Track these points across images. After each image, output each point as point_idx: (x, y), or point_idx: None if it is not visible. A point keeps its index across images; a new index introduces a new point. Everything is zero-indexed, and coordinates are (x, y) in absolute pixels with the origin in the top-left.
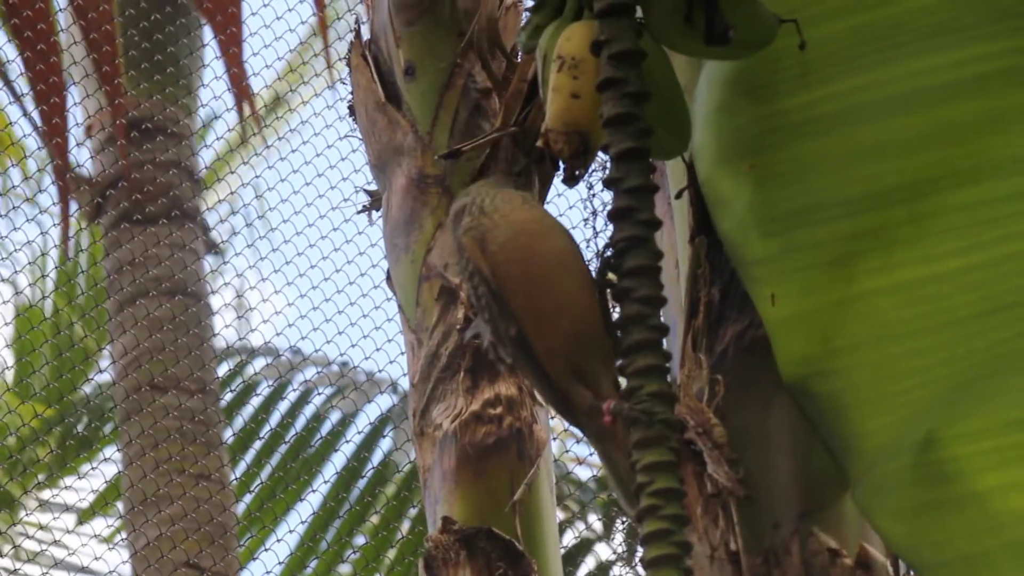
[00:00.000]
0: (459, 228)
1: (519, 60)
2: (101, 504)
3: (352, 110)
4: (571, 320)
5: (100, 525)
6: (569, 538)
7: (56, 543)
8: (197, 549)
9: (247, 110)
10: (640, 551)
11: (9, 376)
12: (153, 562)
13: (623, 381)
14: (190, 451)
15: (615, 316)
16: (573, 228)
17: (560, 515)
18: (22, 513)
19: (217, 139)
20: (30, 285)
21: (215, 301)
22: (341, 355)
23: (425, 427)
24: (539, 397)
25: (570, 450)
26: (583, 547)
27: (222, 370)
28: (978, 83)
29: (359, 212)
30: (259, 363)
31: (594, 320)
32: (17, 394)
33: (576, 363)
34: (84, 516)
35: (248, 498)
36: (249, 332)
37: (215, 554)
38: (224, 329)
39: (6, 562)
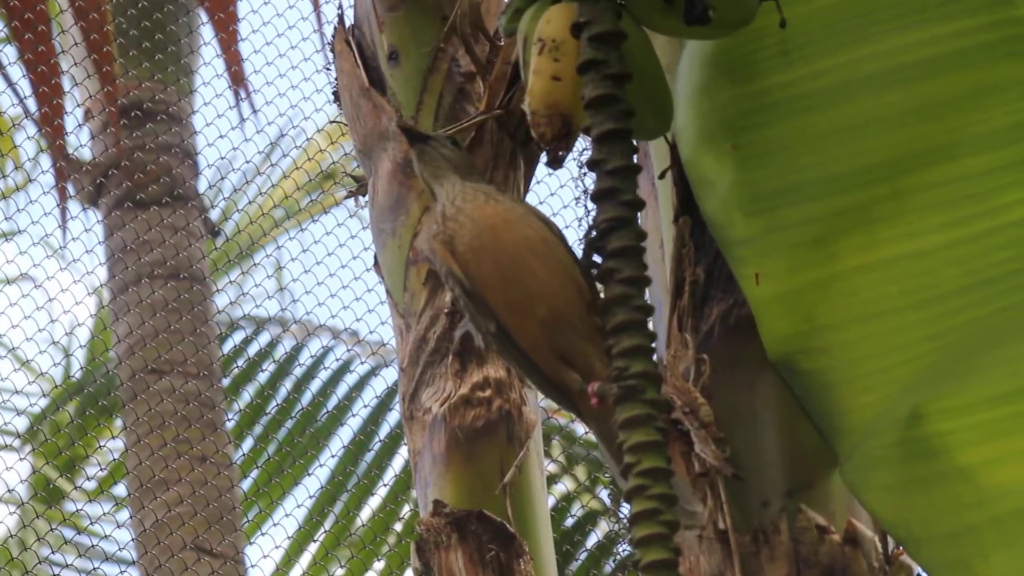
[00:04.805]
0: (430, 234)
1: (502, 43)
2: (97, 492)
3: (337, 96)
4: (546, 307)
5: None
6: (575, 510)
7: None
8: (198, 533)
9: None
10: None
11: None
12: (151, 548)
13: None
14: (187, 434)
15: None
16: (565, 207)
17: (569, 485)
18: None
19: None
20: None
21: (214, 283)
22: (355, 322)
23: (415, 411)
24: (530, 383)
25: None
26: (583, 525)
27: (227, 346)
28: (958, 58)
29: (346, 198)
30: (266, 338)
31: (572, 301)
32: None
33: (561, 347)
34: (91, 495)
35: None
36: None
37: (212, 539)
38: (228, 306)
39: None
